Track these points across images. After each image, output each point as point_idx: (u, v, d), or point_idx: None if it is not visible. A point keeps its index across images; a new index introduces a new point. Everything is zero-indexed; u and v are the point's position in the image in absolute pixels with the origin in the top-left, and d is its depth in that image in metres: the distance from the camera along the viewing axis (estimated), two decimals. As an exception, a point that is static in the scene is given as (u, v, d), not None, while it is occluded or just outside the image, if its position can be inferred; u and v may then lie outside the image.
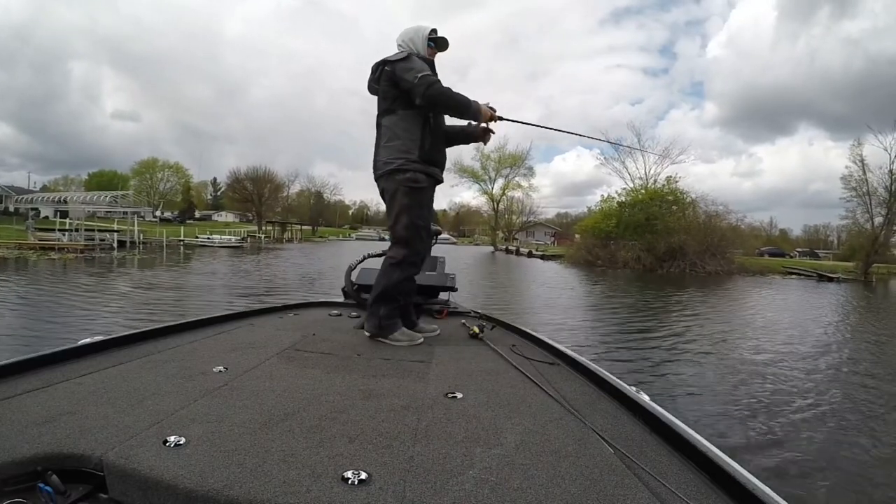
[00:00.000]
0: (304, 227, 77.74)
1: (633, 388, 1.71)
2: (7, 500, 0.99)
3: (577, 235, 44.31)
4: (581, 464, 1.17)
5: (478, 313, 3.46)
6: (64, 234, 32.63)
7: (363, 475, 1.04)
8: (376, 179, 2.69)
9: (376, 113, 2.71)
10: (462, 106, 2.54)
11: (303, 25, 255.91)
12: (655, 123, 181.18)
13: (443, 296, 3.66)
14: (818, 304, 18.55)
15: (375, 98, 2.72)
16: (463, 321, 3.14)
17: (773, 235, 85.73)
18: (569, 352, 2.26)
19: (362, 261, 3.56)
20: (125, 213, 42.27)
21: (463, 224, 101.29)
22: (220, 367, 1.84)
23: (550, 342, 2.48)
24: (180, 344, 2.21)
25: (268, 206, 73.64)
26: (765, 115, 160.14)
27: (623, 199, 40.51)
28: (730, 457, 1.17)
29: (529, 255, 48.40)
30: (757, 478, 1.07)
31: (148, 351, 2.05)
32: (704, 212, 39.21)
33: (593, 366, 2.00)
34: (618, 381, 1.77)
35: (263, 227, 65.38)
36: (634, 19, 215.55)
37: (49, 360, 1.74)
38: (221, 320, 2.82)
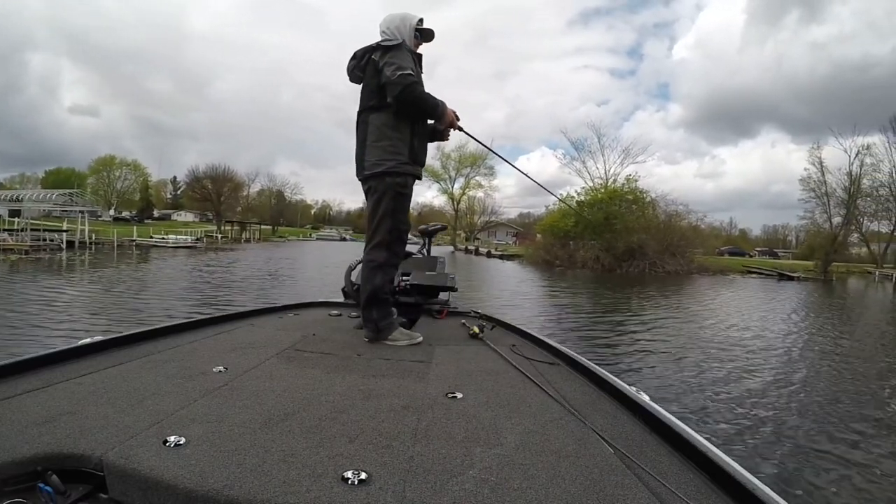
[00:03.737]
0: (264, 227, 76.40)
1: (633, 389, 1.69)
2: (7, 500, 0.98)
3: (538, 235, 43.50)
4: (581, 464, 1.17)
5: (478, 313, 3.44)
6: (12, 235, 31.47)
7: (363, 475, 1.04)
8: (363, 179, 2.64)
9: (359, 104, 2.64)
10: (431, 109, 2.54)
11: (270, 18, 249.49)
12: (621, 124, 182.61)
13: (443, 296, 3.60)
14: (781, 302, 18.70)
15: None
16: (463, 321, 3.12)
17: (733, 235, 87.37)
18: (569, 352, 2.25)
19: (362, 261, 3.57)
20: (81, 212, 40.45)
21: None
22: (220, 367, 1.83)
23: (550, 342, 2.47)
24: (180, 344, 2.20)
25: (227, 205, 72.70)
26: (729, 118, 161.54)
27: (582, 198, 40.05)
28: (730, 457, 1.17)
29: (489, 254, 48.20)
30: (757, 478, 1.07)
31: (148, 351, 2.04)
32: (664, 211, 39.41)
33: (593, 366, 1.99)
34: (618, 381, 1.76)
35: (222, 227, 63.48)
36: (603, 20, 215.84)
37: (49, 360, 1.74)
38: (221, 320, 2.80)
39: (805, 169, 46.48)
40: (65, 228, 36.22)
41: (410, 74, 2.40)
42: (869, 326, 14.05)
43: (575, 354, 2.19)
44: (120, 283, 15.13)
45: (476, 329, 2.72)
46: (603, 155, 45.69)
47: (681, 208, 40.05)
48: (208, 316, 2.81)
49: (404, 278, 3.32)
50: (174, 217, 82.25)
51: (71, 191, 48.07)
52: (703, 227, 44.52)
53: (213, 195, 70.11)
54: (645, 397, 1.62)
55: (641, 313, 13.51)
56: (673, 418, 1.41)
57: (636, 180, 40.45)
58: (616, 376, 1.84)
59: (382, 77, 2.43)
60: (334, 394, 1.62)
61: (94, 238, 36.65)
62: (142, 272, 19.46)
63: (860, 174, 44.15)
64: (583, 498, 1.01)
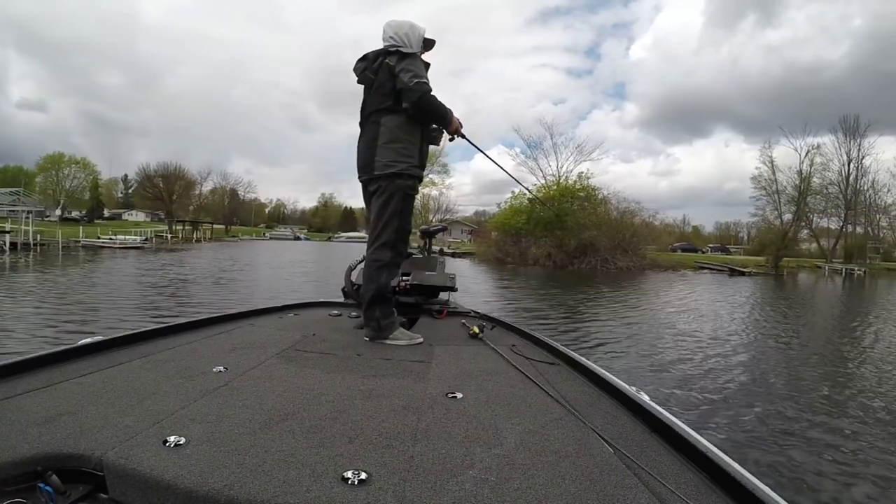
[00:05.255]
0: (217, 227, 74.05)
1: (633, 389, 1.70)
2: (7, 500, 0.98)
3: (493, 233, 42.65)
4: (581, 464, 1.17)
5: (478, 313, 3.43)
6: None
7: (363, 475, 1.04)
8: (369, 179, 2.67)
9: (366, 105, 2.71)
10: (442, 116, 2.63)
11: (225, 10, 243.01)
12: (577, 123, 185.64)
13: (443, 296, 3.61)
14: (733, 296, 18.67)
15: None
16: (463, 321, 3.11)
17: (686, 232, 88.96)
18: (569, 352, 2.25)
19: (362, 261, 3.35)
20: (29, 212, 38.76)
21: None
22: (220, 367, 1.83)
23: (550, 342, 2.48)
24: (180, 344, 2.21)
25: (180, 204, 71.03)
26: (684, 118, 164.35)
27: (533, 195, 38.85)
28: (730, 457, 1.17)
29: (441, 252, 45.82)
30: (757, 477, 1.07)
31: (148, 351, 2.05)
32: (616, 208, 39.67)
33: (593, 366, 2.00)
34: (618, 381, 1.77)
35: (174, 227, 60.83)
36: (562, 20, 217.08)
37: (49, 360, 1.74)
38: (221, 320, 2.81)
39: (756, 167, 48.09)
40: (8, 229, 34.37)
41: (427, 83, 2.51)
42: (827, 317, 14.61)
43: (575, 354, 2.18)
44: (34, 293, 12.37)
45: (476, 329, 2.71)
46: (556, 153, 46.21)
47: (633, 205, 40.47)
48: (208, 316, 2.81)
49: (404, 278, 3.35)
50: (125, 217, 79.93)
51: (15, 189, 46.40)
52: (657, 223, 45.53)
53: (165, 194, 68.22)
54: (645, 397, 1.61)
55: (594, 312, 13.12)
56: (673, 418, 1.40)
57: (588, 177, 40.62)
58: (616, 376, 1.83)
59: (399, 82, 2.50)
60: (334, 394, 1.61)
61: (39, 239, 35.04)
62: (67, 277, 16.81)
63: (810, 173, 45.77)
64: (583, 498, 1.00)
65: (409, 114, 2.55)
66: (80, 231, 41.90)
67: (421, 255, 3.93)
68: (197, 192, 77.82)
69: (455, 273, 3.61)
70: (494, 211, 53.01)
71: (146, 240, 44.43)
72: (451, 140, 2.86)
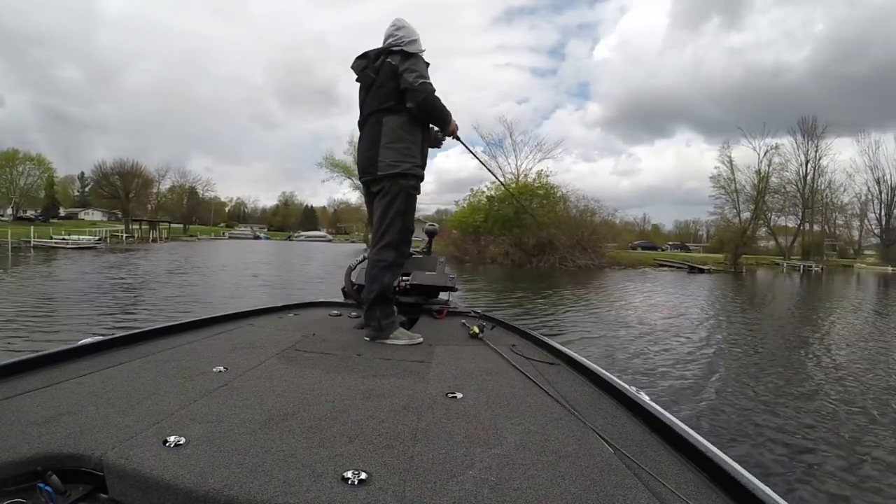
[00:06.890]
0: (175, 226, 71.05)
1: (633, 388, 1.69)
2: (7, 500, 0.98)
3: (453, 231, 41.75)
4: (581, 464, 1.17)
5: (478, 313, 3.43)
6: None
7: (363, 475, 1.04)
8: (372, 179, 2.64)
9: (366, 104, 2.67)
10: (443, 118, 2.63)
11: (187, 3, 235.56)
12: (541, 122, 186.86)
13: (443, 296, 3.62)
14: (697, 294, 18.80)
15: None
16: (463, 321, 3.10)
17: (646, 230, 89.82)
18: (569, 352, 2.24)
19: (362, 261, 3.44)
20: None
21: (340, 221, 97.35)
22: (220, 367, 1.82)
23: (550, 342, 2.47)
24: (180, 344, 2.19)
25: (138, 202, 70.04)
26: (646, 118, 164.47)
27: (492, 193, 38.04)
28: (730, 457, 1.16)
29: None
30: (756, 477, 1.07)
31: (148, 351, 2.03)
32: (575, 206, 39.32)
33: (593, 366, 1.99)
34: (618, 380, 1.76)
35: (130, 226, 59.55)
36: (527, 19, 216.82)
37: (49, 360, 1.74)
38: (221, 320, 2.80)
39: (716, 167, 48.63)
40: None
41: (431, 83, 2.50)
42: (790, 309, 15.19)
43: (575, 354, 2.17)
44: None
45: (476, 329, 2.69)
46: (515, 151, 46.20)
47: (593, 203, 40.25)
48: (208, 316, 2.78)
49: (404, 278, 3.35)
50: (82, 216, 77.64)
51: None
52: (617, 222, 45.71)
53: (122, 192, 66.36)
54: (645, 397, 1.60)
55: (561, 309, 12.84)
56: (673, 418, 1.40)
57: (548, 175, 40.27)
58: (615, 375, 1.82)
59: (403, 82, 2.48)
60: (334, 394, 1.61)
61: (-12, 240, 34.71)
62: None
63: (769, 172, 46.46)
64: (583, 498, 1.00)
65: (412, 114, 2.53)
66: (32, 231, 39.97)
67: (420, 255, 3.89)
68: (155, 190, 76.32)
69: (455, 273, 3.57)
70: (454, 210, 52.25)
71: (100, 240, 42.73)
72: (443, 141, 2.88)
